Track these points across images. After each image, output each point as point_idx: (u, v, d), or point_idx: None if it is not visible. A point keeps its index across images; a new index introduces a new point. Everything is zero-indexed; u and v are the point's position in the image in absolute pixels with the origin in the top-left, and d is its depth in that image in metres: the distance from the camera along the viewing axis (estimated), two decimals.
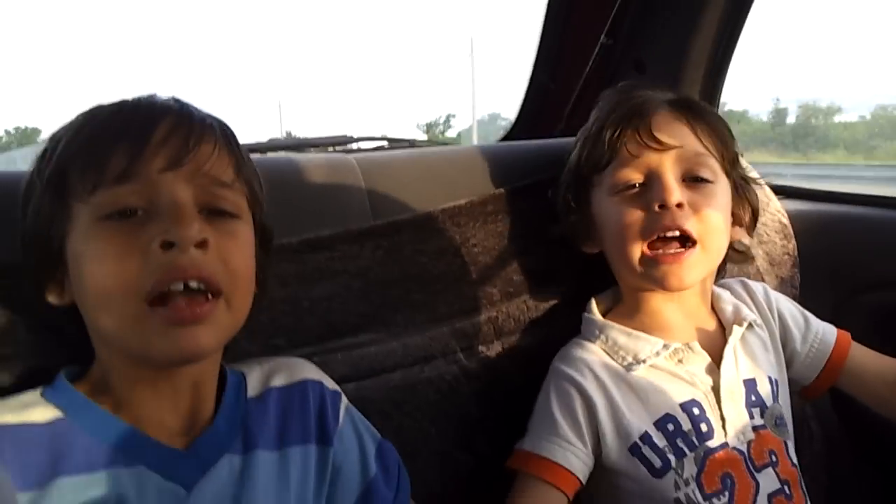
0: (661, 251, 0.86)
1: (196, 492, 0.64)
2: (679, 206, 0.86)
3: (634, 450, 0.85)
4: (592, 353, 0.91)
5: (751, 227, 0.98)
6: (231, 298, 0.65)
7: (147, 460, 0.64)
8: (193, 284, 0.62)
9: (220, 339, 0.66)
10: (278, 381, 0.75)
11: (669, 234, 0.86)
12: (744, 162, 0.97)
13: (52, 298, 0.68)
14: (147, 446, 0.64)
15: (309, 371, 0.78)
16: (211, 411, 0.70)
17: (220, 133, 0.69)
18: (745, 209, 0.97)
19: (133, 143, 0.63)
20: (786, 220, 1.24)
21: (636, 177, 0.89)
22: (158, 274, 0.60)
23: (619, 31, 1.35)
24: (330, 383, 0.78)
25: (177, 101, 0.69)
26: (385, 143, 1.40)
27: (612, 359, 0.90)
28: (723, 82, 1.37)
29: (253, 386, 0.74)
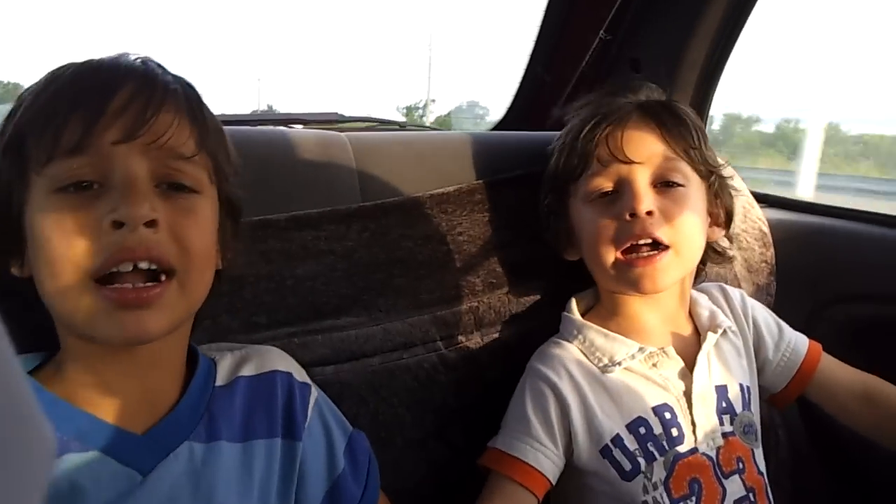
0: (634, 255, 0.87)
1: (152, 477, 0.62)
2: (650, 213, 0.86)
3: (605, 452, 0.86)
4: (569, 352, 0.92)
5: (727, 226, 0.99)
6: (185, 279, 0.63)
7: (102, 445, 0.61)
8: (143, 265, 0.60)
9: (172, 322, 0.63)
10: (247, 370, 0.73)
11: (641, 241, 0.87)
12: (720, 159, 0.97)
13: (14, 270, 0.66)
14: (102, 430, 0.62)
15: (279, 362, 0.76)
16: (176, 395, 0.68)
17: (183, 101, 0.66)
18: (720, 208, 0.97)
19: (88, 112, 0.61)
20: (766, 229, 1.25)
21: (607, 185, 0.90)
22: (107, 253, 0.59)
23: (618, 28, 1.35)
24: (300, 375, 0.76)
25: (144, 62, 0.66)
26: (375, 124, 1.39)
27: (589, 359, 0.91)
28: (716, 85, 1.38)
29: (222, 374, 0.72)
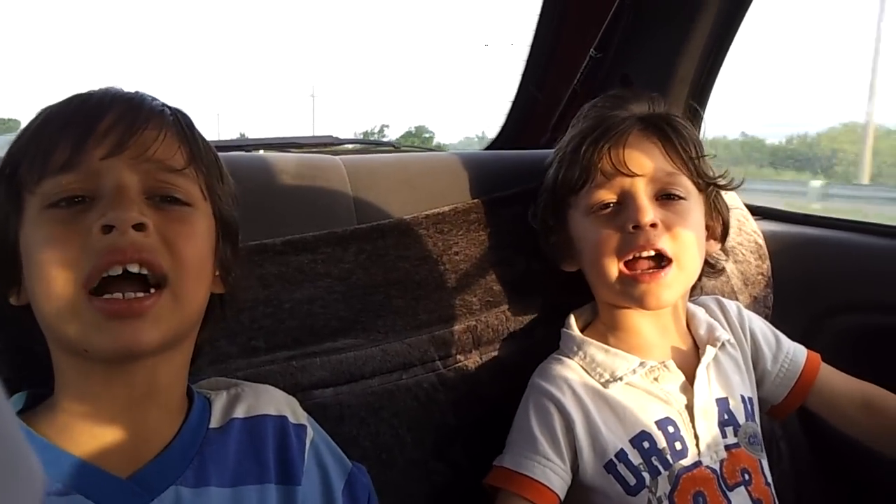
0: (638, 271, 0.88)
1: None
2: (653, 225, 0.87)
3: (610, 467, 0.86)
4: (571, 369, 0.91)
5: (723, 239, 1.00)
6: (178, 289, 0.63)
7: (85, 489, 0.60)
8: (134, 269, 0.60)
9: (165, 335, 0.62)
10: (240, 411, 0.71)
11: (644, 253, 0.87)
12: (716, 171, 0.98)
13: (12, 299, 0.66)
14: (87, 475, 0.61)
15: (271, 404, 0.74)
16: (170, 434, 0.66)
17: (171, 120, 0.67)
18: (717, 221, 0.98)
19: (77, 133, 0.62)
20: (761, 241, 1.26)
21: (610, 197, 0.91)
22: (97, 257, 0.59)
23: (608, 45, 1.36)
24: (294, 415, 0.74)
25: (136, 92, 0.68)
26: (369, 146, 1.39)
27: (590, 375, 0.91)
28: (707, 100, 1.39)
29: (216, 415, 0.70)
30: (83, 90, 0.67)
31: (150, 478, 0.63)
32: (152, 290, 0.61)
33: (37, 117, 0.66)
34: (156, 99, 0.69)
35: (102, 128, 0.63)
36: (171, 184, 0.65)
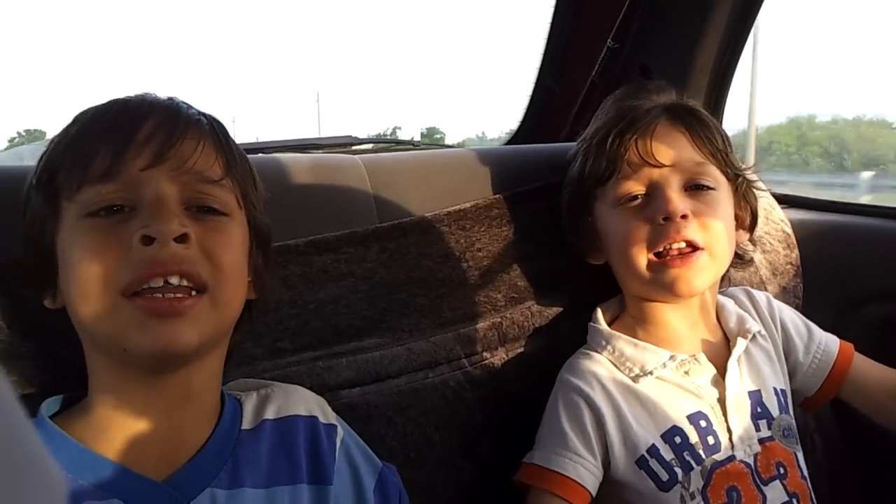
0: (668, 256, 0.86)
1: None
2: (683, 216, 0.86)
3: (642, 463, 0.84)
4: (600, 364, 0.90)
5: (751, 229, 0.98)
6: (217, 295, 0.63)
7: (122, 493, 0.60)
8: (174, 280, 0.60)
9: (203, 336, 0.62)
10: (271, 412, 0.72)
11: (675, 245, 0.86)
12: (742, 163, 0.96)
13: (47, 302, 0.67)
14: (123, 479, 0.61)
15: (301, 404, 0.74)
16: (204, 437, 0.67)
17: (208, 129, 0.67)
18: (745, 211, 0.97)
19: (117, 141, 0.62)
20: (789, 230, 1.24)
21: (639, 189, 0.90)
22: (138, 269, 0.59)
23: (625, 36, 1.34)
24: (325, 415, 0.75)
25: (171, 99, 0.68)
26: (389, 145, 1.39)
27: (619, 370, 0.90)
28: (728, 89, 1.37)
29: (248, 416, 0.71)
30: (119, 96, 0.68)
31: (186, 481, 0.63)
32: (195, 293, 0.62)
33: (73, 123, 0.66)
34: (191, 107, 0.69)
35: (142, 137, 0.63)
36: (209, 194, 0.65)
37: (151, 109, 0.65)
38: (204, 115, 0.69)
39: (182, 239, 0.61)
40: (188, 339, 0.61)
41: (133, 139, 0.63)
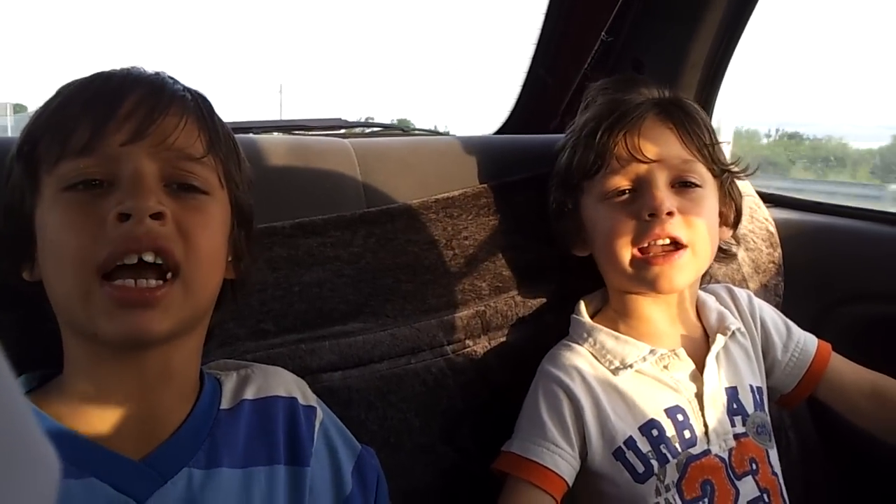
0: (651, 253, 0.87)
1: None
2: (669, 214, 0.86)
3: (619, 454, 0.85)
4: (580, 355, 0.91)
5: (735, 225, 0.99)
6: (190, 279, 0.62)
7: (98, 471, 0.59)
8: (149, 258, 0.59)
9: (175, 325, 0.62)
10: (250, 392, 0.71)
11: (660, 241, 0.87)
12: (728, 156, 0.97)
13: (25, 274, 0.66)
14: (99, 457, 0.60)
15: (282, 385, 0.73)
16: (181, 417, 0.66)
17: (192, 105, 0.67)
18: (730, 208, 0.98)
19: (97, 116, 0.62)
20: (773, 229, 1.25)
21: (626, 184, 0.90)
22: (112, 245, 0.59)
23: (619, 29, 1.34)
24: (304, 397, 0.74)
25: (157, 74, 0.67)
26: (378, 129, 1.38)
27: (600, 362, 0.90)
28: (719, 86, 1.38)
29: (227, 396, 0.70)
30: (104, 69, 0.67)
31: (163, 460, 0.63)
32: (169, 276, 0.61)
33: (56, 95, 0.65)
34: (177, 82, 0.68)
35: (123, 112, 0.62)
36: (190, 172, 0.65)
37: (135, 84, 0.64)
38: (190, 90, 0.68)
39: (158, 216, 0.60)
40: (159, 328, 0.60)
41: (114, 114, 0.62)
